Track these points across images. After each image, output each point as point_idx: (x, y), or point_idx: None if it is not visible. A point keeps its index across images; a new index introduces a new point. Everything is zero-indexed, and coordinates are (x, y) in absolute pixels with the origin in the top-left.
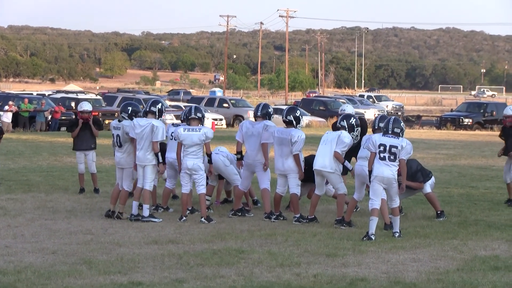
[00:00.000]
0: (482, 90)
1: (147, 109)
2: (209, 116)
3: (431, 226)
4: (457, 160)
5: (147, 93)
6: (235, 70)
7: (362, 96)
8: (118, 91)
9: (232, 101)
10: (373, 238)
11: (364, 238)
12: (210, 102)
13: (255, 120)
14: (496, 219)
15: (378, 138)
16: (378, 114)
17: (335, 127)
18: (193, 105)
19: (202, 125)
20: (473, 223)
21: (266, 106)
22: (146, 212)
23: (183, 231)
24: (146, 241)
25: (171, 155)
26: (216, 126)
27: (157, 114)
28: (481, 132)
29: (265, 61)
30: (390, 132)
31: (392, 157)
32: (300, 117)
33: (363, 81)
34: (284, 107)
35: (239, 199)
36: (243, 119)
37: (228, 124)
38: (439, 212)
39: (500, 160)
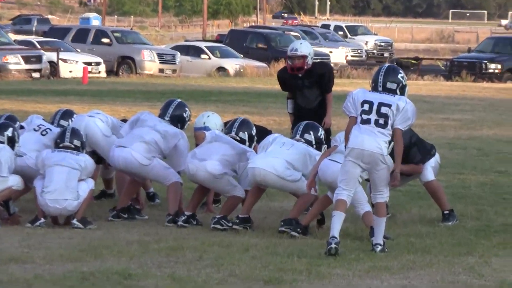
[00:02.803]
0: None
1: None
2: (79, 59)
3: (434, 234)
4: (477, 129)
5: None
6: None
7: (326, 27)
8: None
9: (116, 35)
10: (334, 246)
11: (326, 252)
12: (81, 35)
13: None
14: None
15: (362, 93)
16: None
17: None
18: (69, 127)
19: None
20: (499, 229)
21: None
22: None
23: (33, 243)
24: None
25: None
26: (90, 75)
27: (6, 142)
28: None
29: None
30: (380, 88)
31: (381, 122)
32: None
33: (328, 3)
34: (203, 44)
35: (127, 195)
36: (134, 64)
37: (109, 71)
38: (446, 212)
39: None
